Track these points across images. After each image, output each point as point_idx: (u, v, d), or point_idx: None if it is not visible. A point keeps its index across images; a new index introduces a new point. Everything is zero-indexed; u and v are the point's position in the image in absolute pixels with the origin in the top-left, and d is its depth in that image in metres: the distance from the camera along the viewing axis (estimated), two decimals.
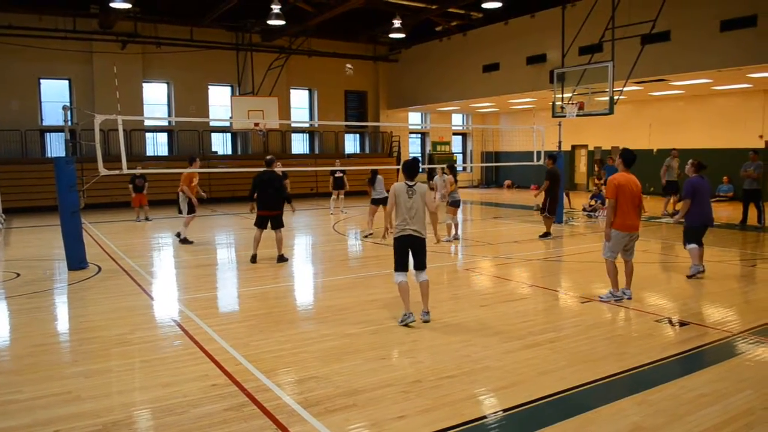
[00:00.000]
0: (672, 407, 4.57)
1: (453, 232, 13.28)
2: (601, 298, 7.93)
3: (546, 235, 13.58)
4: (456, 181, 13.50)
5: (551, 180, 13.57)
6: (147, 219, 17.92)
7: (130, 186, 17.81)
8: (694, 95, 23.02)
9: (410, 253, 6.94)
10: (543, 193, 13.75)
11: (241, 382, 5.12)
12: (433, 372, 5.35)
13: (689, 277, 9.19)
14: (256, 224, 11.07)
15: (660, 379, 5.17)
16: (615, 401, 4.72)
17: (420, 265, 6.95)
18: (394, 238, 6.98)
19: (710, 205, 9.52)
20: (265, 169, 11.04)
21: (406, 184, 6.96)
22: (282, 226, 11.03)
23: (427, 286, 6.99)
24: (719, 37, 16.26)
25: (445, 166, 14.06)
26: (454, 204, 13.21)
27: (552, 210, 13.64)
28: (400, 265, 6.92)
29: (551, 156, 13.86)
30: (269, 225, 10.96)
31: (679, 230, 14.95)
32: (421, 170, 17.27)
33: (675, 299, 8.12)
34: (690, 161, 9.53)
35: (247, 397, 4.81)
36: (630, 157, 7.82)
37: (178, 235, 13.51)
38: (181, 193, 13.21)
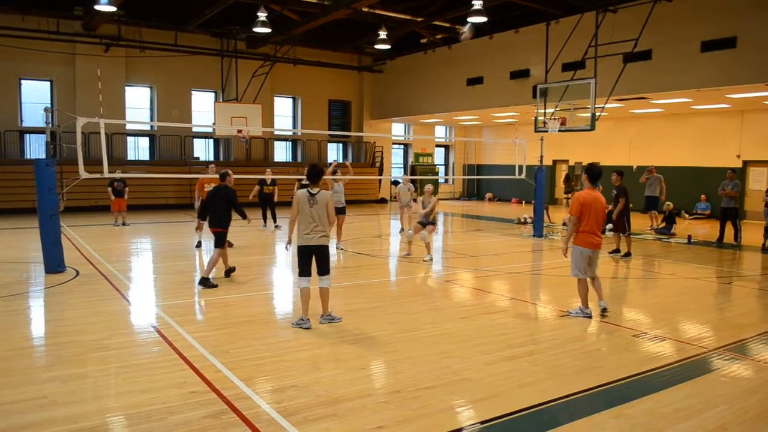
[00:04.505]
0: (648, 421, 4.63)
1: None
2: (570, 312, 7.94)
3: (627, 255, 12.81)
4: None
5: (626, 197, 12.71)
6: (124, 224, 17.71)
7: (109, 189, 17.58)
8: (673, 113, 23.39)
9: (313, 260, 7.14)
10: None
11: (220, 390, 5.08)
12: (412, 383, 5.35)
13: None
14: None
15: (637, 393, 5.23)
16: (592, 415, 4.77)
17: (322, 271, 7.17)
18: (297, 246, 7.16)
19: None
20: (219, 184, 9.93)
21: (308, 192, 7.07)
22: (220, 246, 9.58)
23: (326, 292, 7.23)
24: (699, 57, 16.56)
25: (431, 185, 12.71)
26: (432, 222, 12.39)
27: (629, 227, 12.81)
28: (302, 271, 7.12)
29: (620, 172, 12.98)
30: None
31: (662, 245, 15.16)
32: (402, 181, 17.27)
33: (652, 315, 8.22)
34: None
35: (226, 405, 4.78)
36: (594, 173, 7.76)
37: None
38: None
